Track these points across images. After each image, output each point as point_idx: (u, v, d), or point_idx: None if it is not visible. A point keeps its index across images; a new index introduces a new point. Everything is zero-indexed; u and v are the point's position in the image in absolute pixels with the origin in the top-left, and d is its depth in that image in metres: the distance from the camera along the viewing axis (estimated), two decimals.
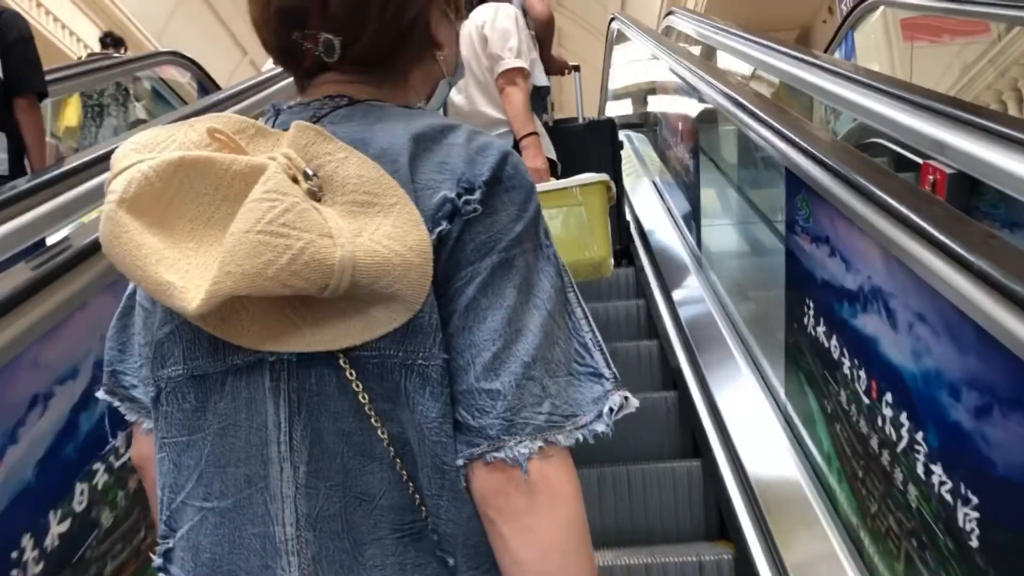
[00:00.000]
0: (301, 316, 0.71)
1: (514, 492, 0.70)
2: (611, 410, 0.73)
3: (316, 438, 0.74)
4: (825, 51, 5.18)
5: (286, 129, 0.77)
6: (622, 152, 4.31)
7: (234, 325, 0.71)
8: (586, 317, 0.78)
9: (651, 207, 4.57)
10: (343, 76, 0.84)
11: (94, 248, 1.39)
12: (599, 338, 0.77)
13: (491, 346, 0.72)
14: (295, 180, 0.71)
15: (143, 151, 0.71)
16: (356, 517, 0.74)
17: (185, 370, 0.78)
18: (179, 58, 5.71)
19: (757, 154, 2.65)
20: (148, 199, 0.69)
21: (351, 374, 0.73)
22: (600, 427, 0.73)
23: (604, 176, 2.74)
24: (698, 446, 2.49)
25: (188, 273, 0.68)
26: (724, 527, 2.22)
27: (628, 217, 4.46)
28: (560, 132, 3.69)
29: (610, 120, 4.33)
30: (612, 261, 2.82)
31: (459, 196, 0.74)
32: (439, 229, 0.73)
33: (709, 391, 2.54)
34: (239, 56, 11.36)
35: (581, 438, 0.72)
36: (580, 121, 4.35)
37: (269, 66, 3.84)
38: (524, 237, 0.76)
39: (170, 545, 0.80)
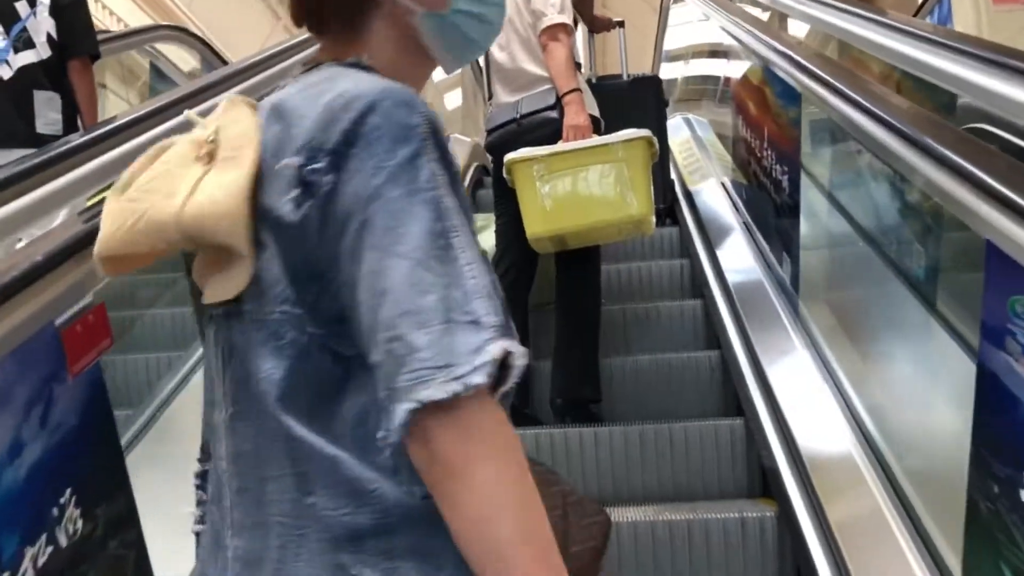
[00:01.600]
0: (209, 270, 0.81)
1: (423, 465, 0.69)
2: (492, 360, 0.67)
3: (241, 382, 0.80)
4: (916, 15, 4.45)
5: None
6: (680, 138, 4.07)
7: (200, 277, 0.83)
8: (473, 262, 0.72)
9: (721, 218, 3.64)
10: (319, 40, 0.91)
11: None
12: (487, 283, 0.72)
13: (364, 319, 0.70)
14: (200, 145, 0.80)
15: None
16: (263, 455, 0.79)
17: (195, 310, 0.93)
18: (180, 32, 5.20)
19: (905, 197, 1.82)
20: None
21: (249, 324, 0.79)
22: (477, 379, 0.66)
23: (646, 132, 2.71)
24: (741, 405, 2.48)
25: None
26: (767, 486, 2.21)
27: (673, 176, 4.39)
28: (603, 89, 3.64)
29: (655, 76, 4.25)
30: (654, 219, 2.80)
31: (306, 164, 0.73)
32: (291, 196, 0.74)
33: (754, 351, 2.53)
34: (272, 21, 11.12)
35: (460, 389, 0.65)
36: (624, 78, 4.28)
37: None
38: (385, 188, 0.71)
39: (206, 467, 0.92)
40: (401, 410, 0.66)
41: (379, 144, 0.73)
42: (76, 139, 1.85)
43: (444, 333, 0.67)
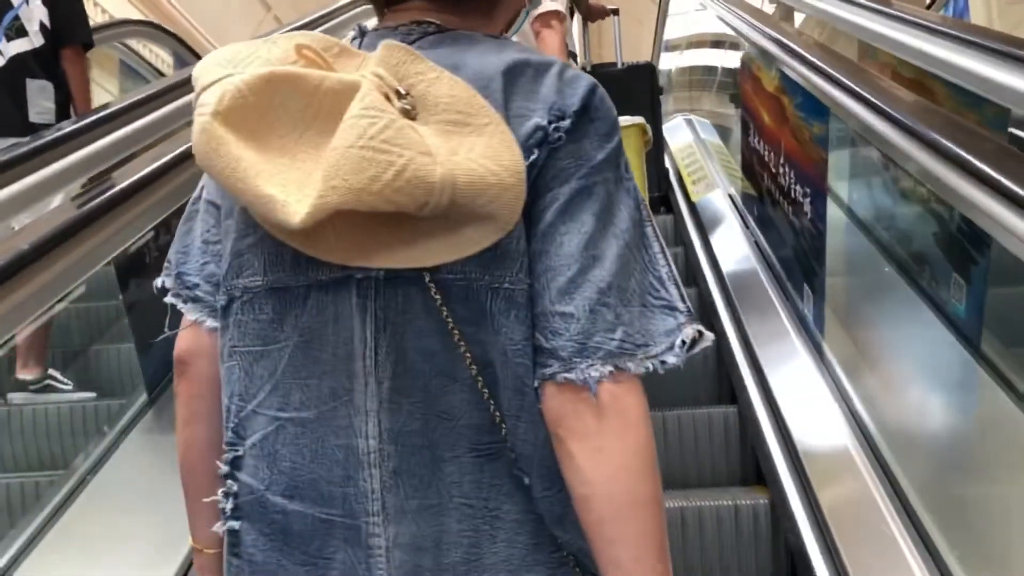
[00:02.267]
0: (392, 234, 0.72)
1: (585, 413, 0.72)
2: (683, 343, 0.74)
3: (401, 355, 0.75)
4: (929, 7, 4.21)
5: (371, 52, 0.76)
6: (682, 142, 3.93)
7: (321, 242, 0.72)
8: (663, 251, 0.78)
9: (730, 239, 3.21)
10: (431, 3, 0.84)
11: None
12: (675, 272, 0.78)
13: (567, 270, 0.73)
14: (387, 98, 0.70)
15: (228, 66, 0.72)
16: (437, 434, 0.76)
17: (264, 281, 0.79)
18: (152, 28, 5.11)
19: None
20: (241, 113, 0.69)
21: (437, 294, 0.74)
22: (671, 359, 0.73)
23: (639, 119, 2.72)
24: (735, 392, 2.49)
25: (286, 188, 0.68)
26: (760, 473, 2.22)
27: (675, 184, 4.30)
28: (598, 77, 3.63)
29: (649, 64, 4.23)
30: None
31: (550, 123, 0.75)
32: (532, 157, 0.74)
33: (748, 338, 2.53)
34: (262, 13, 10.63)
35: (651, 367, 0.73)
36: (619, 66, 4.28)
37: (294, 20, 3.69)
38: (605, 166, 0.76)
39: (239, 453, 0.81)
40: (602, 368, 0.72)
41: (602, 123, 0.78)
42: (68, 126, 1.84)
43: (641, 314, 0.74)
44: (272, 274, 0.79)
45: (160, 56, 5.10)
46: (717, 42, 4.55)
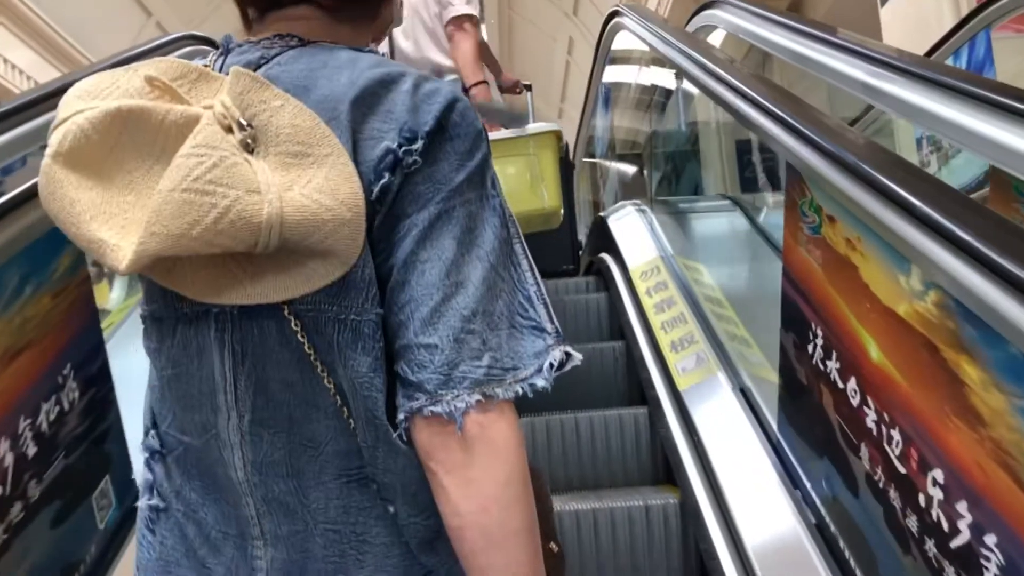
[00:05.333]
0: (241, 268, 0.71)
1: (453, 445, 0.71)
2: (551, 365, 0.73)
3: (261, 387, 0.76)
4: (930, 54, 3.12)
5: None
6: (643, 259, 2.85)
7: (178, 276, 0.72)
8: (531, 269, 0.77)
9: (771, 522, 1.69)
10: (301, 13, 0.83)
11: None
12: (543, 291, 0.77)
13: (429, 300, 0.72)
14: (229, 130, 0.70)
15: (86, 99, 0.71)
16: (301, 462, 0.76)
17: (147, 311, 0.81)
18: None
19: None
20: (85, 152, 0.68)
21: (296, 325, 0.74)
22: (540, 381, 0.73)
23: (554, 125, 2.75)
24: (645, 394, 2.53)
25: (124, 229, 0.67)
26: (670, 472, 2.27)
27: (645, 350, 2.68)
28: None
29: (556, 131, 3.07)
30: (563, 212, 2.84)
31: (400, 147, 0.73)
32: (382, 182, 0.72)
33: (656, 342, 2.55)
34: (143, 19, 9.54)
35: (520, 391, 0.72)
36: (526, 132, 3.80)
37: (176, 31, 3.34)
38: (466, 187, 0.75)
39: (163, 453, 0.83)
40: (468, 399, 0.70)
41: (460, 142, 0.75)
42: None
43: (510, 336, 0.73)
44: (150, 304, 0.81)
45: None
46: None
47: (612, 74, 4.64)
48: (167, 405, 0.81)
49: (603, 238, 3.61)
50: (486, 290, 0.73)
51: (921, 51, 3.22)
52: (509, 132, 2.72)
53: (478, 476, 0.71)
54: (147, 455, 0.84)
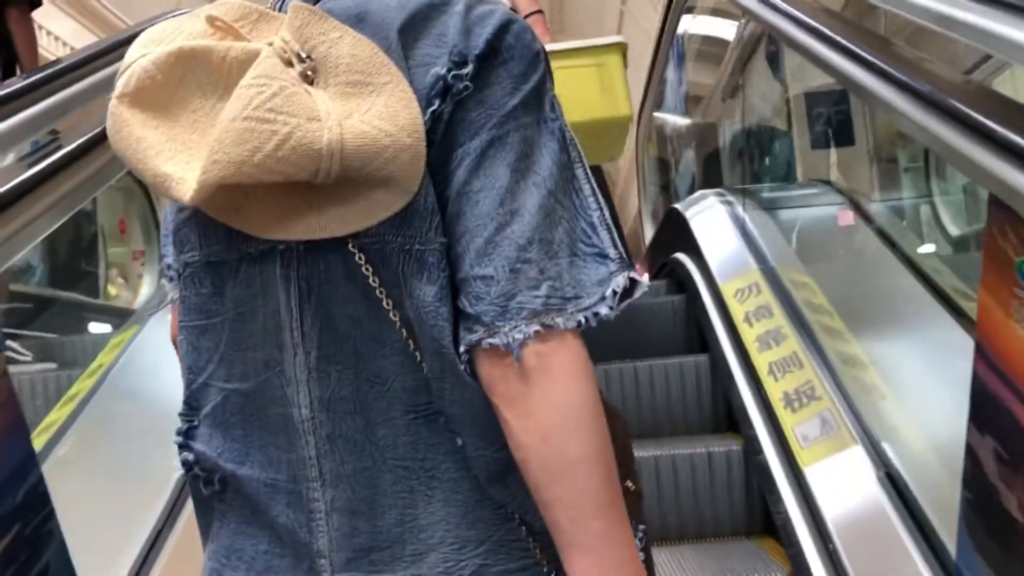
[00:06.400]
0: (307, 203, 0.71)
1: (512, 377, 0.70)
2: (615, 292, 0.71)
3: (327, 324, 0.75)
4: None
5: None
6: (736, 272, 2.30)
7: (245, 214, 0.72)
8: (595, 194, 0.75)
9: None
10: None
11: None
12: (607, 216, 0.75)
13: (483, 231, 0.71)
14: (289, 63, 0.70)
15: (150, 45, 0.72)
16: (369, 399, 0.75)
17: (201, 256, 0.79)
18: None
19: None
20: (150, 92, 0.70)
21: (360, 258, 0.73)
22: (603, 309, 0.71)
23: (620, 37, 2.72)
24: (706, 341, 2.49)
25: (188, 164, 0.68)
26: (733, 420, 2.24)
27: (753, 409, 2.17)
28: None
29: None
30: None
31: (449, 72, 0.71)
32: (432, 108, 0.71)
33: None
34: None
35: (583, 320, 0.70)
36: None
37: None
38: (520, 111, 0.73)
39: (194, 423, 0.82)
40: (527, 329, 0.69)
41: (515, 64, 0.73)
42: (15, 83, 1.77)
43: (571, 265, 0.71)
44: (207, 248, 0.79)
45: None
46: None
47: (691, 25, 3.85)
48: (215, 352, 0.80)
49: (679, 235, 2.95)
50: (543, 217, 0.71)
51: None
52: (574, 43, 2.67)
53: (536, 407, 0.70)
54: (180, 439, 0.83)
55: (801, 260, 2.34)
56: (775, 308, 2.10)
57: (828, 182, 2.71)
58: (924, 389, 1.38)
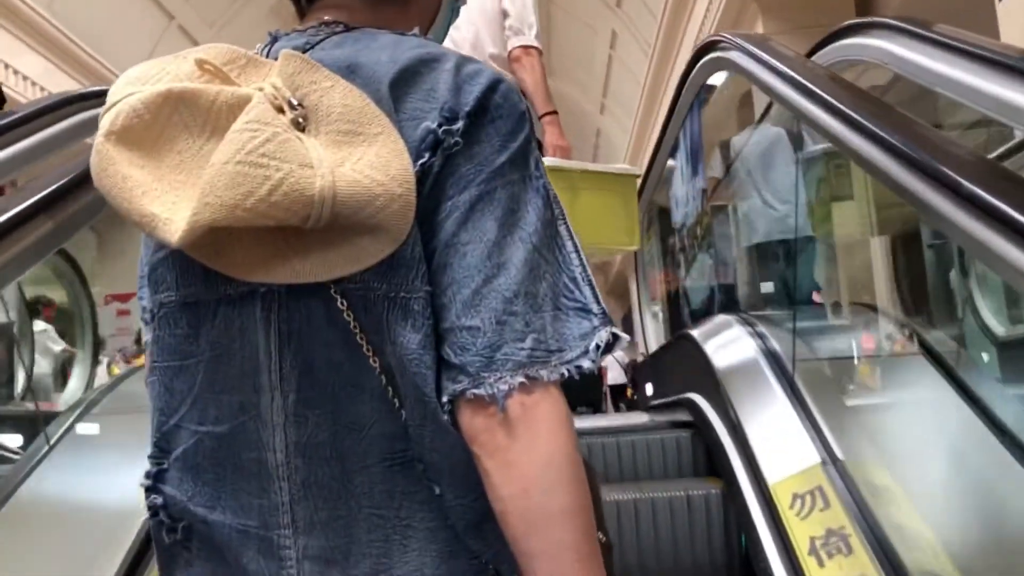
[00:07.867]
0: (291, 247, 0.71)
1: (495, 427, 0.71)
2: (597, 346, 0.73)
3: (306, 368, 0.75)
4: None
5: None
6: (790, 469, 1.67)
7: (226, 256, 0.72)
8: (577, 250, 0.77)
9: None
10: (345, 1, 0.87)
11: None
12: (589, 273, 0.77)
13: (470, 282, 0.72)
14: (280, 110, 0.71)
15: (136, 84, 0.73)
16: (345, 445, 0.75)
17: (178, 296, 0.80)
18: None
19: None
20: (137, 132, 0.70)
21: (342, 304, 0.74)
22: (586, 363, 0.73)
23: (637, 169, 2.77)
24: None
25: (175, 205, 0.69)
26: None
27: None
28: None
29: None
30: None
31: (440, 127, 0.74)
32: (421, 161, 0.73)
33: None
34: (164, 22, 8.73)
35: (566, 373, 0.72)
36: None
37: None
38: (508, 168, 0.75)
39: (164, 466, 0.82)
40: (512, 380, 0.70)
41: (503, 123, 0.76)
42: None
43: (555, 318, 0.73)
44: (185, 288, 0.79)
45: None
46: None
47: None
48: (188, 394, 0.79)
49: (694, 370, 2.31)
50: (528, 271, 0.73)
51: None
52: (600, 166, 2.65)
53: (518, 458, 0.70)
54: (149, 483, 0.82)
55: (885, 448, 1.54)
56: (851, 530, 1.32)
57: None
58: None
